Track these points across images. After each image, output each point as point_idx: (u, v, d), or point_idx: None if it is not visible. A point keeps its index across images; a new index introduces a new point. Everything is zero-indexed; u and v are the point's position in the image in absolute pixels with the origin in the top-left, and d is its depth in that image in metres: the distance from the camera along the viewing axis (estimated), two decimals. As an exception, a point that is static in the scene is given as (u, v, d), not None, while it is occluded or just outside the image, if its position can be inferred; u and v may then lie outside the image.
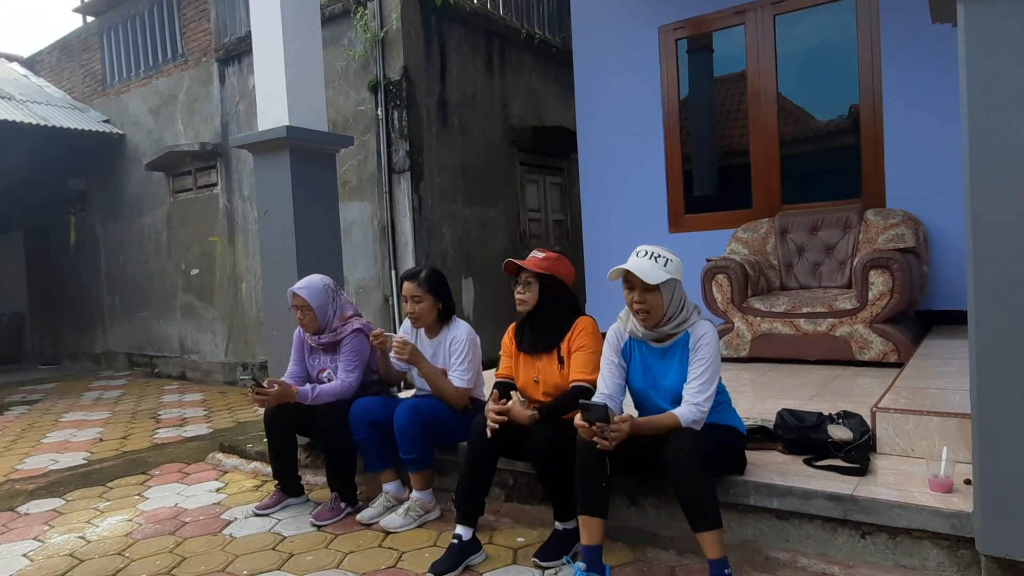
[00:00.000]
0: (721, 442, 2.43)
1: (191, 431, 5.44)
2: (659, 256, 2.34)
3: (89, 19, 9.75)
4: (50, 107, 9.12)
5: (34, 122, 8.36)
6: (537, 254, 2.80)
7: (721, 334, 4.74)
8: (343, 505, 3.22)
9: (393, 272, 6.56)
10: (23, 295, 10.96)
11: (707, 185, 6.10)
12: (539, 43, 8.26)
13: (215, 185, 8.12)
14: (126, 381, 8.48)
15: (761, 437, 2.91)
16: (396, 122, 6.55)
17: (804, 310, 4.26)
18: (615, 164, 6.06)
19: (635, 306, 2.37)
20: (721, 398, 2.49)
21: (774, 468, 2.61)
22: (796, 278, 4.95)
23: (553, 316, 2.77)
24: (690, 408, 2.28)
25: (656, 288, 2.32)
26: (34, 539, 3.22)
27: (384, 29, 6.50)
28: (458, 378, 3.12)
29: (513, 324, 2.99)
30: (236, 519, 3.30)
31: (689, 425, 2.26)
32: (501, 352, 2.97)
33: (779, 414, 2.90)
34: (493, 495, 3.07)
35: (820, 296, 4.35)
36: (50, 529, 3.34)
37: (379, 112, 6.60)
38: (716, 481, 2.43)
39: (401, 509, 3.08)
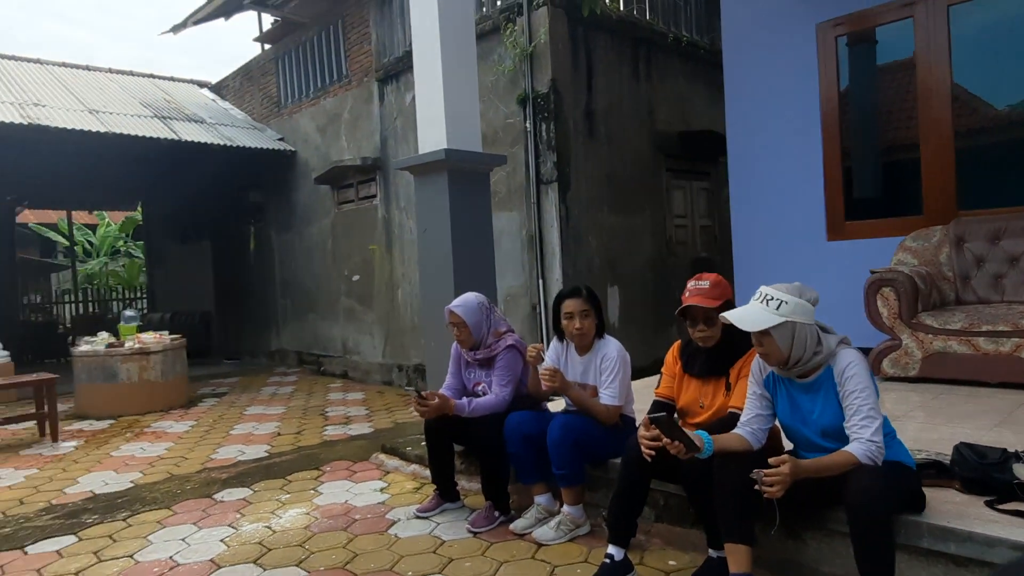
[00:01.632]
0: (890, 480, 2.28)
1: (355, 430, 5.87)
2: (772, 299, 2.26)
3: (267, 47, 10.77)
4: (234, 128, 10.18)
5: (221, 143, 9.38)
6: (700, 284, 2.72)
7: (886, 352, 4.41)
8: (497, 514, 3.35)
9: (541, 281, 6.69)
10: (211, 297, 12.32)
11: (869, 187, 5.68)
12: (686, 46, 8.06)
13: (374, 197, 8.68)
14: (296, 378, 9.28)
15: (935, 473, 2.68)
16: (544, 134, 6.67)
17: (984, 328, 3.86)
18: (767, 166, 5.80)
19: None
20: (885, 429, 2.34)
21: (951, 509, 2.40)
22: (974, 292, 4.49)
23: (730, 342, 2.71)
24: (863, 445, 2.16)
25: (768, 332, 2.24)
26: (228, 526, 3.64)
27: (532, 44, 6.65)
28: (608, 396, 3.14)
29: (678, 342, 2.96)
30: (399, 520, 3.54)
31: (869, 463, 2.14)
32: (663, 370, 2.96)
33: (956, 449, 2.65)
34: (643, 514, 3.06)
35: (1003, 313, 3.92)
36: (241, 517, 3.76)
37: (527, 125, 6.75)
38: (889, 521, 2.28)
39: (553, 522, 3.15)
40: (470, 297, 3.54)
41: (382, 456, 4.68)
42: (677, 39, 7.98)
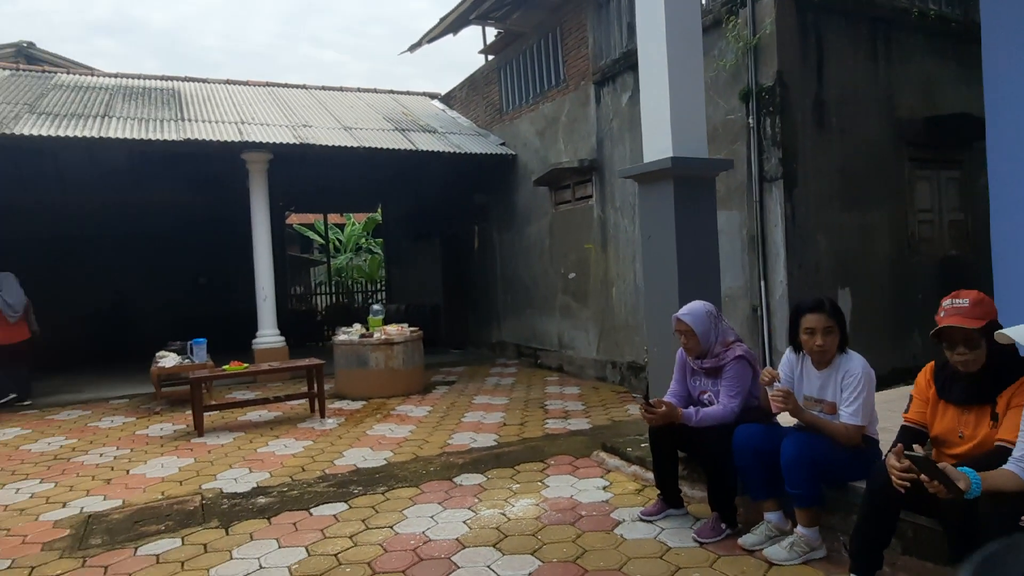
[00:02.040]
0: None
1: (574, 425, 6.12)
2: None
3: (490, 58, 11.46)
4: (462, 136, 10.99)
5: (451, 150, 10.18)
6: (959, 303, 2.49)
7: None
8: (723, 526, 3.34)
9: (763, 283, 6.42)
10: (440, 291, 13.46)
11: None
12: (934, 20, 7.16)
13: (590, 197, 8.88)
14: (516, 369, 9.83)
15: None
16: (768, 129, 6.37)
17: None
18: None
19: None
20: None
21: None
22: None
23: (998, 366, 2.46)
24: None
25: None
26: (468, 509, 4.03)
27: (757, 36, 6.36)
28: (849, 415, 2.98)
29: (931, 364, 2.73)
30: (624, 520, 3.66)
31: None
32: (913, 393, 2.75)
33: None
34: (889, 545, 2.87)
35: None
36: (479, 502, 4.14)
37: (750, 120, 6.48)
38: None
39: (786, 542, 3.07)
40: (698, 305, 3.54)
41: (603, 454, 4.84)
42: (922, 14, 7.12)
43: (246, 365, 7.16)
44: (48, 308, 9.57)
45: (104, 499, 4.58)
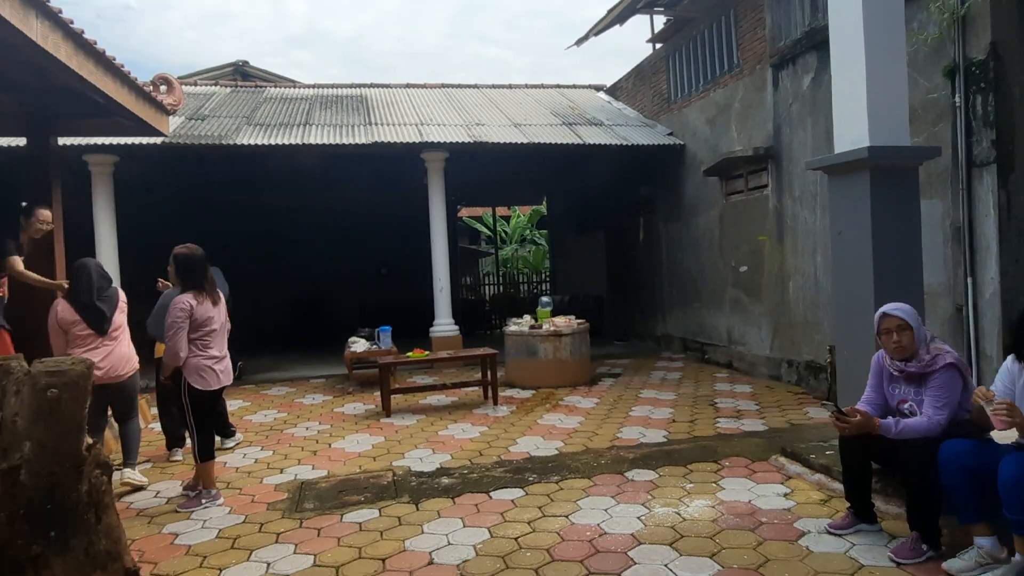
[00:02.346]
0: None
1: (748, 425, 5.92)
2: None
3: (658, 46, 11.25)
4: (628, 127, 10.91)
5: (618, 143, 10.15)
6: None
7: None
8: (924, 547, 3.11)
9: (969, 280, 5.78)
10: (603, 282, 13.50)
11: None
12: None
13: (765, 187, 8.47)
14: (682, 364, 9.65)
15: None
16: (979, 108, 5.70)
17: None
18: None
19: None
20: None
21: None
22: None
23: None
24: None
25: None
26: (642, 505, 4.07)
27: (965, 4, 5.70)
28: (1088, 437, 2.65)
29: None
30: (809, 532, 3.52)
31: None
32: None
33: None
34: None
35: None
36: (652, 499, 4.16)
37: (956, 99, 5.84)
38: None
39: (999, 571, 2.81)
40: (903, 304, 3.30)
41: (783, 459, 4.66)
42: None
43: (427, 353, 7.68)
44: (255, 296, 10.89)
45: (312, 468, 5.17)
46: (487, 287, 18.93)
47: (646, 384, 8.13)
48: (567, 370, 8.09)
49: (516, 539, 3.67)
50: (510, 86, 13.02)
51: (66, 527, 1.40)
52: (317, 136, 9.11)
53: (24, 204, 5.57)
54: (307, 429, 6.44)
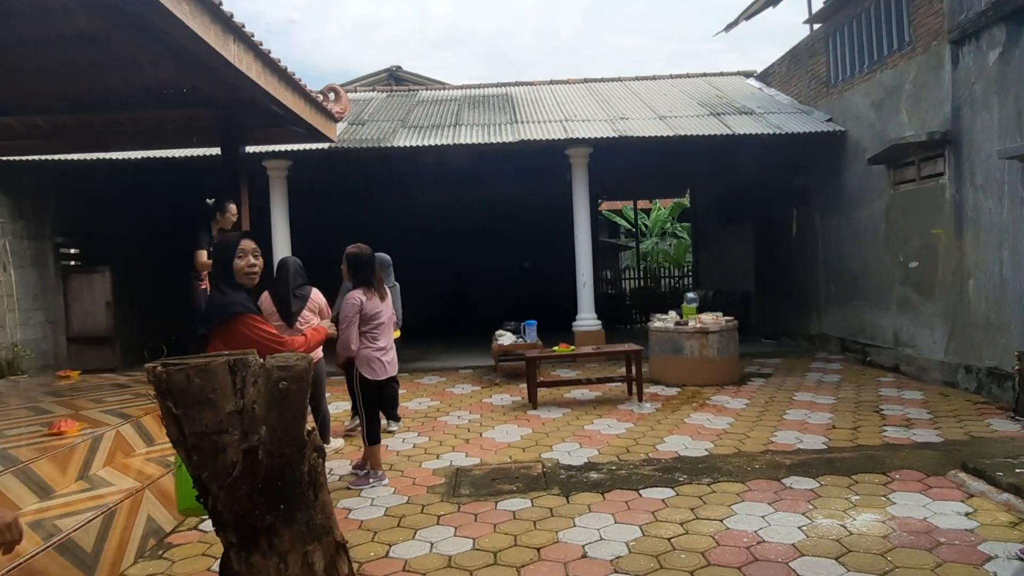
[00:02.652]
0: None
1: (920, 436, 5.47)
2: None
3: (815, 27, 10.57)
4: (781, 115, 10.36)
5: (770, 131, 9.67)
6: None
7: None
8: None
9: None
10: (750, 277, 12.94)
11: None
12: None
13: (941, 175, 7.74)
14: (840, 366, 9.06)
15: None
16: None
17: None
18: None
19: None
20: None
21: None
22: None
23: None
24: None
25: None
26: (803, 515, 3.91)
27: None
28: None
29: None
30: (997, 556, 3.23)
31: None
32: None
33: None
34: None
35: None
36: (813, 509, 3.98)
37: None
38: None
39: None
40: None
41: (963, 475, 4.28)
42: None
43: (572, 348, 7.78)
44: (407, 290, 11.51)
45: (466, 456, 5.43)
46: (627, 281, 18.75)
47: (800, 386, 7.73)
48: (714, 368, 7.88)
49: (669, 540, 3.66)
50: (654, 77, 12.79)
51: (292, 502, 1.61)
52: (466, 136, 9.47)
53: (212, 200, 6.35)
54: (459, 418, 6.76)
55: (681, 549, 3.54)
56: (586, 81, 12.84)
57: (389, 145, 9.11)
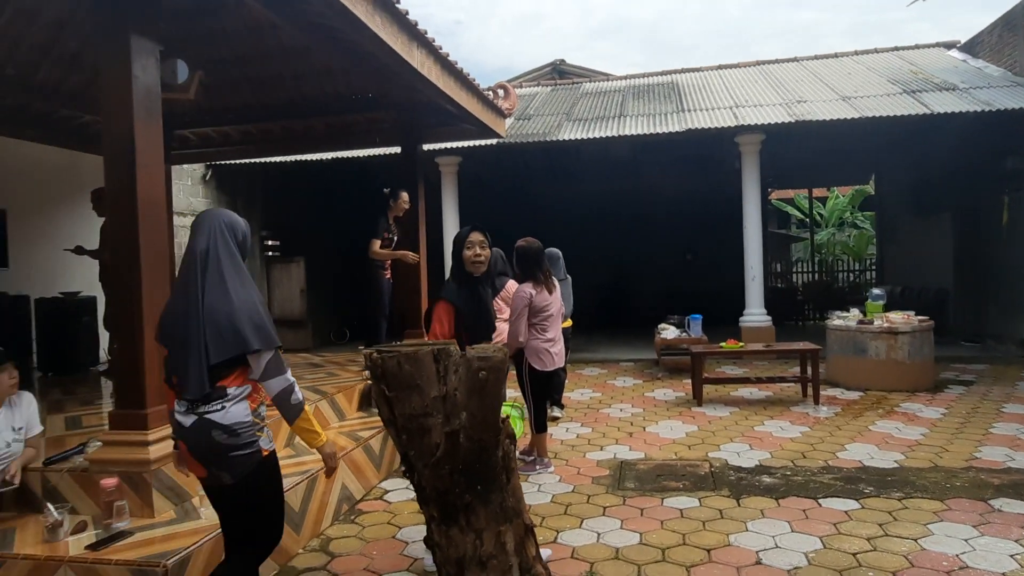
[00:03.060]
0: None
1: None
2: None
3: (1038, -13, 9.23)
4: (991, 89, 9.18)
5: (977, 109, 8.60)
6: None
7: None
8: None
9: None
10: (948, 272, 11.62)
11: None
12: None
13: None
14: (1061, 376, 7.92)
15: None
16: None
17: None
18: None
19: None
20: None
21: None
22: None
23: None
24: None
25: None
26: (1015, 542, 3.48)
27: None
28: None
29: None
30: None
31: None
32: None
33: None
34: None
35: None
36: (1029, 535, 3.54)
37: None
38: None
39: None
40: None
41: None
42: None
43: (741, 344, 7.47)
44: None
45: (630, 449, 5.42)
46: (799, 275, 17.61)
47: (1011, 397, 6.85)
48: (904, 373, 7.20)
49: (854, 555, 3.43)
50: (836, 55, 11.84)
51: (488, 484, 1.72)
52: (631, 127, 9.36)
53: (387, 190, 6.89)
54: (621, 411, 6.75)
55: (868, 566, 3.30)
56: (758, 64, 12.18)
57: (555, 139, 9.25)
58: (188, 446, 2.25)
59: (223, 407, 2.20)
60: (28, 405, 3.52)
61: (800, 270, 17.72)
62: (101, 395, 5.63)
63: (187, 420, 2.25)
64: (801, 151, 11.97)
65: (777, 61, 12.05)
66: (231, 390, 2.23)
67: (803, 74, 11.03)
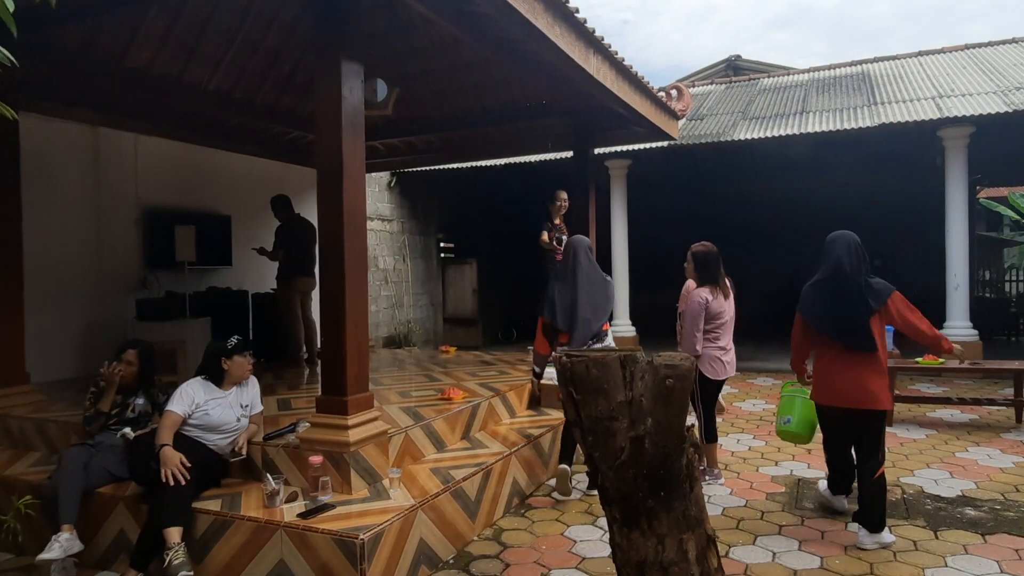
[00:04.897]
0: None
1: None
2: None
3: None
4: None
5: None
6: None
7: None
8: None
9: None
10: None
11: None
12: None
13: None
14: None
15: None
16: None
17: None
18: None
19: None
20: None
21: None
22: None
23: None
24: None
25: None
26: None
27: None
28: None
29: None
30: None
31: None
32: None
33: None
34: None
35: None
36: None
37: None
38: None
39: None
40: None
41: None
42: None
43: (940, 360, 6.75)
44: (739, 284, 11.13)
45: (808, 467, 5.12)
46: (1012, 283, 15.49)
47: None
48: None
49: (1084, 607, 3.01)
50: (1068, 33, 10.29)
51: (671, 491, 1.75)
52: (814, 123, 8.79)
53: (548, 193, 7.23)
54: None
55: (1103, 622, 2.88)
56: (967, 48, 10.90)
57: (729, 139, 8.92)
58: None
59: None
60: (253, 386, 4.05)
61: (1014, 278, 15.56)
62: (304, 380, 6.31)
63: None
64: (1018, 144, 10.54)
65: (990, 44, 10.71)
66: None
67: (1022, 57, 9.72)
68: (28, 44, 4.26)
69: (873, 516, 3.66)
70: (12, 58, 2.08)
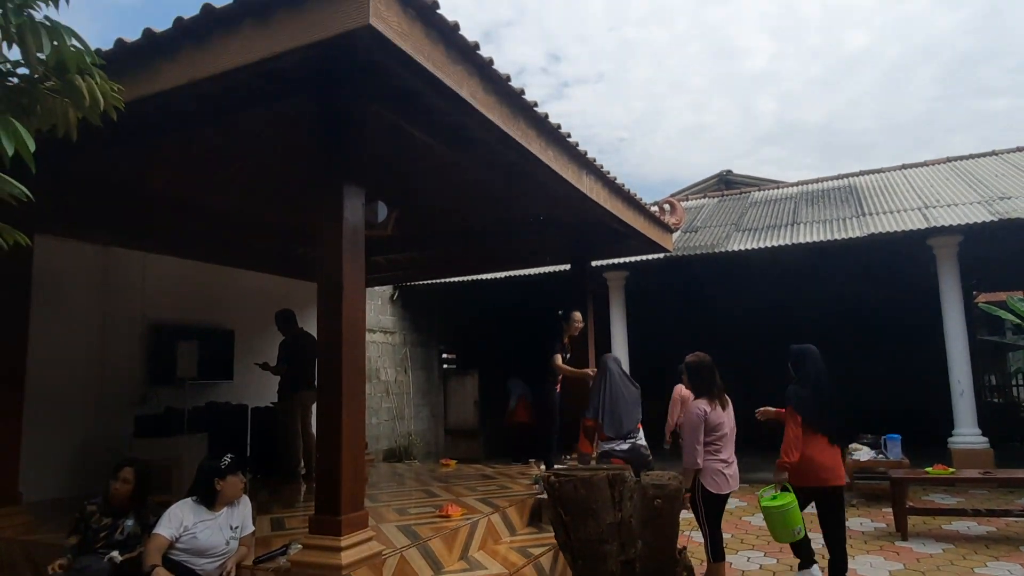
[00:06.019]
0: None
1: None
2: None
3: None
4: None
5: None
6: None
7: None
8: None
9: None
10: None
11: None
12: None
13: None
14: None
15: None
16: None
17: None
18: None
19: None
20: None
21: None
22: None
23: None
24: None
25: None
26: None
27: None
28: None
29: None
30: None
31: None
32: None
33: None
34: None
35: None
36: None
37: None
38: None
39: None
40: None
41: None
42: None
43: (951, 470, 6.60)
44: (745, 393, 11.00)
45: (823, 587, 4.88)
46: (1020, 388, 15.31)
47: None
48: None
49: None
50: (1043, 147, 10.79)
51: (665, 617, 1.69)
52: (806, 234, 9.05)
53: (561, 312, 7.10)
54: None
55: None
56: (949, 160, 11.38)
57: (723, 250, 9.15)
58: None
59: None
60: (245, 506, 3.96)
61: (1021, 382, 15.40)
62: (300, 498, 6.15)
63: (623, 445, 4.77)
64: (1012, 250, 10.76)
65: (971, 156, 11.20)
66: None
67: (1004, 169, 10.13)
68: (46, 172, 4.50)
69: None
70: (29, 193, 2.21)
